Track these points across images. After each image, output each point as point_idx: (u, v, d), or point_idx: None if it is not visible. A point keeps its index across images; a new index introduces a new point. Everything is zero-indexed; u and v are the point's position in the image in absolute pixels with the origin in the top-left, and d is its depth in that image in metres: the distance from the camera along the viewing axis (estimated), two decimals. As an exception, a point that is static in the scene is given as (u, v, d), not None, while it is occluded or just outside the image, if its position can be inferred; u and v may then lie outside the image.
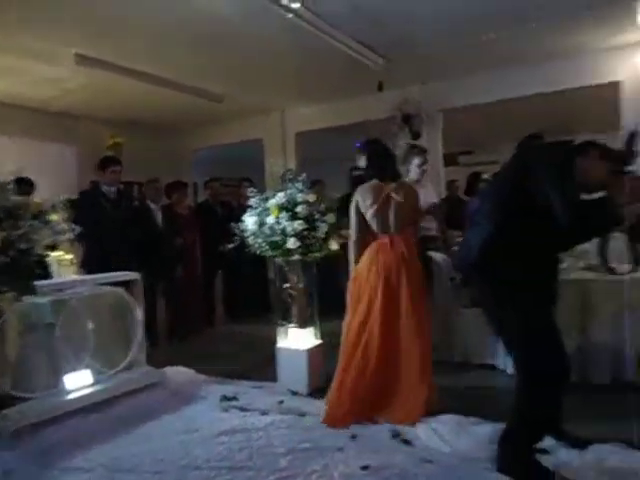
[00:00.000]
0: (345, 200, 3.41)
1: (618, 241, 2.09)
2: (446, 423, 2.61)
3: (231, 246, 3.67)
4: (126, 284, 3.39)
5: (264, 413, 2.99)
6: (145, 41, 4.97)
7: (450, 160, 10.53)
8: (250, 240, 3.29)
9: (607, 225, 2.03)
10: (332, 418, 2.77)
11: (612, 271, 2.21)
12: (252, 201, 3.28)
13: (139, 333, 3.38)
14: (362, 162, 3.39)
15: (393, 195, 2.87)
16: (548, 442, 2.33)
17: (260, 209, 3.22)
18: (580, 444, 2.35)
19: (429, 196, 3.85)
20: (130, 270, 3.44)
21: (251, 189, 3.40)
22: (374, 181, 2.95)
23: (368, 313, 2.85)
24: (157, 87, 6.10)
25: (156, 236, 5.01)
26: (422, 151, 3.99)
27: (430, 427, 2.59)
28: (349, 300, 2.99)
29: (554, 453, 2.33)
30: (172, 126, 8.67)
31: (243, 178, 6.50)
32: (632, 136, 2.01)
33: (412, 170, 3.86)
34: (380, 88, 5.95)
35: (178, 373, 3.66)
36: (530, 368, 2.05)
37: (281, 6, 4.11)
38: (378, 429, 2.68)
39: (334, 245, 3.24)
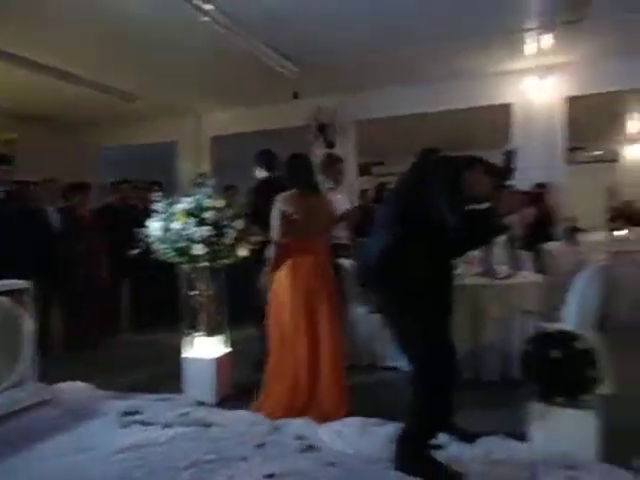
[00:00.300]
0: (253, 207, 3.40)
1: (500, 248, 2.30)
2: (350, 425, 2.67)
3: (136, 252, 3.50)
4: (14, 292, 3.10)
5: (167, 426, 2.87)
6: (47, 31, 4.62)
7: (365, 170, 10.94)
8: (155, 246, 3.17)
9: (492, 234, 2.22)
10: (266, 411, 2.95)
11: (495, 276, 2.44)
12: (157, 206, 3.17)
13: (28, 347, 3.11)
14: (258, 172, 3.45)
15: (311, 204, 3.06)
16: (441, 438, 2.48)
17: (166, 214, 3.11)
18: (470, 438, 2.52)
19: (342, 203, 3.95)
20: (23, 277, 3.16)
21: (157, 193, 3.28)
22: (294, 190, 3.09)
23: (290, 317, 2.99)
24: (60, 81, 5.70)
25: (51, 240, 4.64)
26: (338, 160, 4.10)
27: (334, 430, 2.64)
28: (271, 305, 3.08)
29: (447, 448, 2.48)
30: (77, 123, 8.13)
31: (154, 181, 6.24)
32: (509, 154, 2.22)
33: (328, 178, 3.96)
34: (296, 96, 6.04)
35: (74, 389, 3.42)
36: (426, 376, 2.16)
37: (193, 5, 4.03)
38: (284, 435, 2.69)
39: (243, 251, 3.21)
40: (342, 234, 3.85)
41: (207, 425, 2.86)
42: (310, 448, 2.54)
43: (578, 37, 5.29)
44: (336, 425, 2.69)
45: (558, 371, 2.33)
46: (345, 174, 5.42)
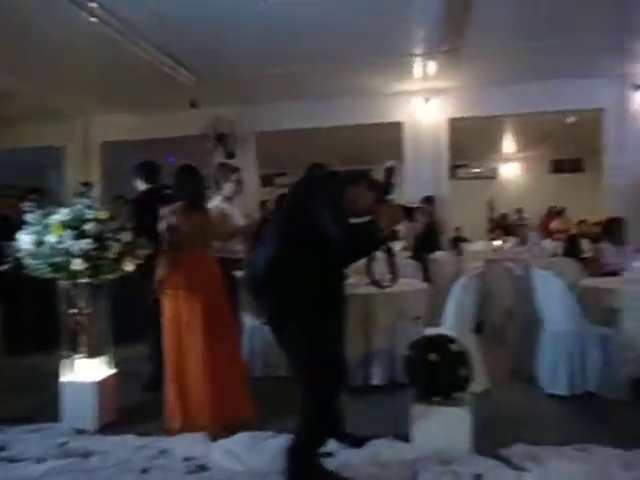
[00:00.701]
0: (135, 219, 3.25)
1: (380, 259, 2.45)
2: (240, 441, 2.63)
3: (5, 267, 3.15)
4: None
5: (40, 461, 2.60)
6: None
7: (267, 181, 10.98)
8: (26, 261, 2.88)
9: (373, 246, 2.33)
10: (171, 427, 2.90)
11: (378, 284, 2.57)
12: (29, 217, 2.89)
13: None
14: (138, 184, 3.34)
15: (196, 218, 3.07)
16: (331, 446, 2.53)
17: (39, 226, 2.84)
18: (358, 443, 2.61)
19: (236, 218, 3.91)
20: None
21: (29, 203, 2.99)
22: (180, 203, 3.06)
23: (186, 331, 2.96)
24: None
25: None
26: (233, 170, 4.06)
27: (225, 448, 2.58)
28: (165, 320, 3.02)
29: (337, 455, 2.54)
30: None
31: (33, 188, 5.68)
32: (389, 170, 2.36)
33: (225, 188, 3.90)
34: (193, 105, 5.90)
35: None
36: (313, 386, 2.19)
37: (73, 2, 3.78)
38: (171, 458, 2.57)
39: (129, 265, 3.04)
40: (238, 247, 3.81)
41: (86, 455, 2.64)
42: (199, 469, 2.45)
43: (458, 65, 5.82)
44: (227, 442, 2.63)
45: (435, 373, 2.50)
46: (246, 185, 5.41)
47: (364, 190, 2.37)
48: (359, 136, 8.15)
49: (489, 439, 2.58)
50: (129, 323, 3.90)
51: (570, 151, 10.93)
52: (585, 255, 5.19)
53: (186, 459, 2.54)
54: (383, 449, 2.58)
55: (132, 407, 3.30)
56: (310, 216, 2.17)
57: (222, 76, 5.80)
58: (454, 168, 11.46)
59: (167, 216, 2.97)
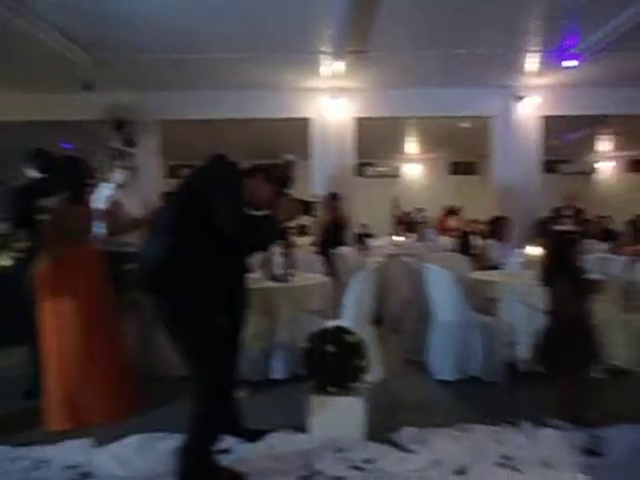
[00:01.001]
0: (18, 210, 2.98)
1: (278, 253, 2.47)
2: (128, 445, 2.50)
3: None
4: None
5: None
6: None
7: (174, 172, 10.55)
8: None
9: (272, 238, 2.34)
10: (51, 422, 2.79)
11: (276, 278, 2.59)
12: None
13: None
14: (29, 172, 3.14)
15: (75, 211, 2.98)
16: (228, 442, 2.50)
17: None
18: (256, 437, 2.60)
19: (131, 208, 3.70)
20: None
21: None
22: (60, 195, 2.95)
23: (63, 330, 2.86)
24: None
25: None
26: (126, 156, 3.84)
27: (111, 452, 2.44)
28: (41, 318, 2.88)
29: (234, 451, 2.52)
30: None
31: None
32: (288, 164, 2.37)
33: (116, 176, 3.69)
34: (87, 87, 5.46)
35: None
36: (206, 382, 2.14)
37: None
38: (52, 467, 2.38)
39: (5, 260, 2.76)
40: (132, 240, 3.60)
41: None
42: (82, 477, 2.30)
43: (365, 66, 6.00)
44: (114, 447, 2.49)
45: (331, 364, 2.57)
46: (148, 175, 5.17)
47: (262, 183, 2.37)
48: (269, 130, 8.11)
49: (382, 425, 2.71)
50: (7, 324, 3.54)
51: (466, 155, 11.79)
52: (475, 251, 5.63)
53: (68, 467, 2.37)
54: (280, 442, 2.60)
55: (8, 416, 3.01)
56: (205, 207, 2.12)
57: (124, 60, 5.45)
58: (361, 166, 11.85)
59: (46, 208, 2.82)
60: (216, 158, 2.35)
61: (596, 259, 4.29)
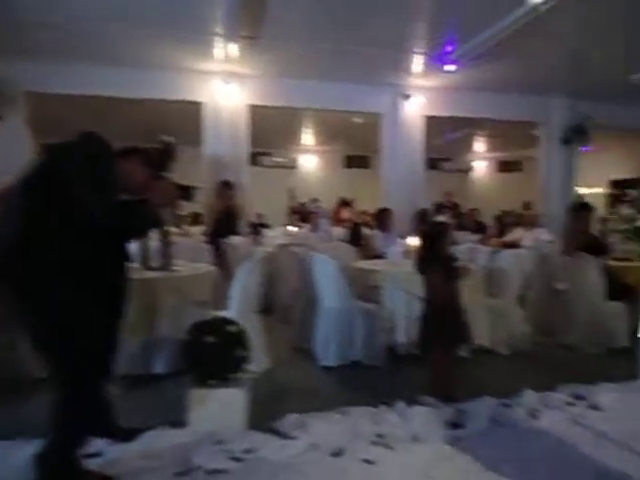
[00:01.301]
0: None
1: (155, 241, 2.33)
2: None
3: None
4: None
5: None
6: None
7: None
8: None
9: (147, 225, 2.19)
10: None
11: (152, 268, 2.46)
12: None
13: None
14: None
15: None
16: (98, 444, 2.33)
17: None
18: (129, 436, 2.44)
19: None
20: None
21: None
22: None
23: None
24: None
25: None
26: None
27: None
28: None
29: (105, 453, 2.34)
30: None
31: None
32: (166, 146, 2.24)
33: None
34: None
35: None
36: (72, 377, 1.96)
37: None
38: None
39: None
40: None
41: None
42: None
43: (259, 53, 5.90)
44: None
45: (212, 355, 2.50)
46: (15, 153, 4.56)
47: (137, 165, 2.21)
48: (159, 113, 7.63)
49: (265, 414, 2.70)
50: None
51: (359, 149, 12.22)
52: (363, 241, 5.86)
53: None
54: (156, 439, 2.48)
55: None
56: (68, 191, 1.91)
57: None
58: (257, 155, 11.73)
59: None
60: (85, 135, 2.14)
61: (466, 249, 4.70)
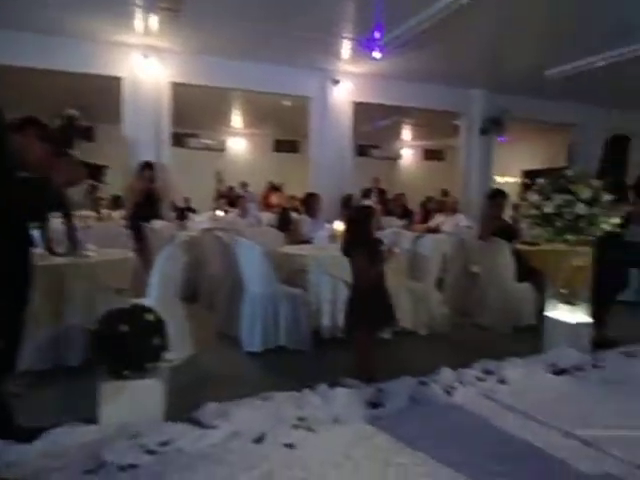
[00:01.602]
0: None
1: (59, 224, 2.15)
2: None
3: None
4: None
5: None
6: None
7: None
8: None
9: (44, 206, 2.00)
10: None
11: (54, 253, 2.28)
12: None
13: None
14: None
15: None
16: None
17: None
18: (31, 435, 2.26)
19: None
20: None
21: None
22: None
23: None
24: None
25: None
26: None
27: None
28: None
29: (3, 455, 2.15)
30: None
31: None
32: (69, 119, 2.05)
33: None
34: None
35: None
36: None
37: None
38: None
39: None
40: None
41: None
42: None
43: (180, 28, 5.60)
44: None
45: (125, 345, 2.35)
46: None
47: (33, 140, 2.00)
48: (76, 86, 7.06)
49: (185, 404, 2.60)
50: None
51: (289, 133, 12.11)
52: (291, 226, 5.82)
53: None
54: (63, 437, 2.30)
55: None
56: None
57: None
58: (184, 136, 11.28)
59: None
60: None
61: (391, 233, 4.81)
